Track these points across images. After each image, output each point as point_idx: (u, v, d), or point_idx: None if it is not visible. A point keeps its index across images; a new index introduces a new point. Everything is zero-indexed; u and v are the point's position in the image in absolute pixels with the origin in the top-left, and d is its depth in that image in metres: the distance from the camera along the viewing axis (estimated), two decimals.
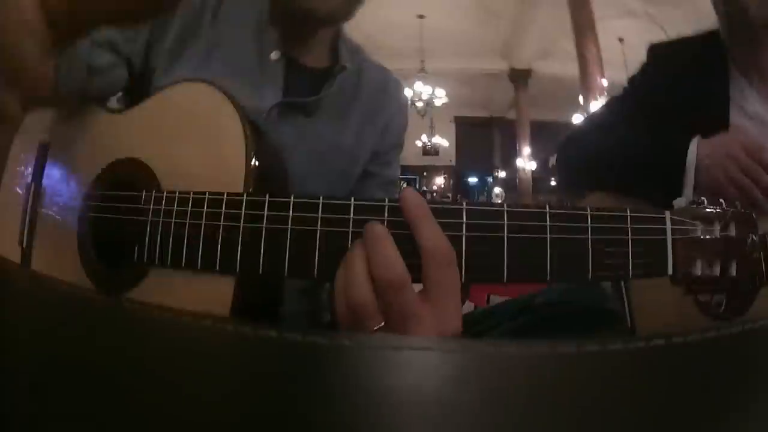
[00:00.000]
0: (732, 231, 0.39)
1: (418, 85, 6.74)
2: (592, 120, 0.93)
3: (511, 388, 0.15)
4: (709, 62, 0.80)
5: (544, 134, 7.01)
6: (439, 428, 0.13)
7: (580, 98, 5.16)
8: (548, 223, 0.36)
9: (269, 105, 0.59)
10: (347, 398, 0.15)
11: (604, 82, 4.84)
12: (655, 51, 0.86)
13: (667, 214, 0.38)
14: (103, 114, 0.55)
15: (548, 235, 0.36)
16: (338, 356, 0.17)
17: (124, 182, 0.48)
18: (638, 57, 0.89)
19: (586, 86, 4.93)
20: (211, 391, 0.16)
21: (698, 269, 0.38)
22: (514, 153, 8.03)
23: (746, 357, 0.18)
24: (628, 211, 0.37)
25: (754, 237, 0.39)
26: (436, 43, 6.62)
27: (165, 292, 0.45)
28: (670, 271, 0.37)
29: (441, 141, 8.42)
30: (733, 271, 0.38)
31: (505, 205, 0.37)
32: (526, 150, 7.54)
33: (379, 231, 0.35)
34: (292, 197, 0.39)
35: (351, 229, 0.37)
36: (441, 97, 6.89)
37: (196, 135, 0.47)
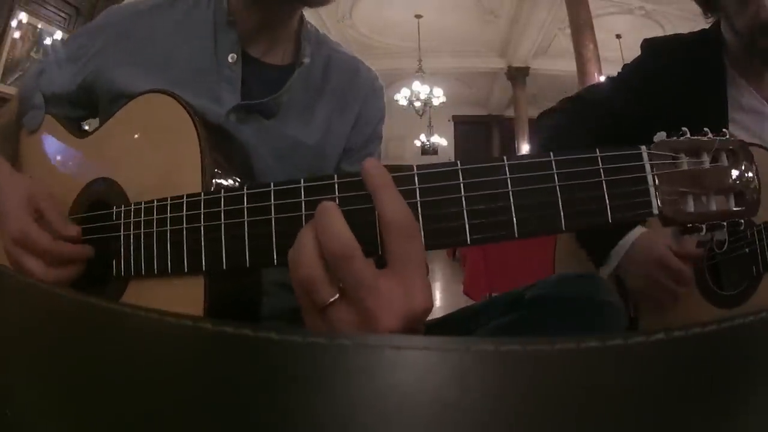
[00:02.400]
0: (724, 161, 0.36)
1: (416, 85, 6.74)
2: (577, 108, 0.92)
3: (510, 387, 0.15)
4: (704, 58, 0.80)
5: None
6: (439, 428, 0.13)
7: None
8: (508, 175, 0.34)
9: (227, 108, 0.58)
10: (347, 398, 0.15)
11: (602, 79, 4.83)
12: (650, 46, 0.87)
13: (643, 149, 0.35)
14: (73, 139, 0.57)
15: (509, 189, 0.34)
16: (338, 356, 0.17)
17: (100, 202, 0.50)
18: (636, 53, 0.89)
19: (584, 83, 4.93)
20: (209, 394, 0.16)
21: (690, 205, 0.35)
22: (512, 150, 8.03)
23: (747, 350, 0.18)
24: (598, 151, 0.34)
25: (747, 164, 0.36)
26: (433, 42, 6.63)
27: (143, 304, 0.45)
28: (656, 210, 0.34)
29: (440, 140, 8.42)
30: (732, 204, 0.35)
31: (459, 163, 0.35)
32: (525, 147, 7.53)
33: (327, 205, 0.34)
34: (245, 189, 0.40)
35: (304, 212, 0.37)
36: (439, 96, 6.88)
37: (153, 145, 0.49)
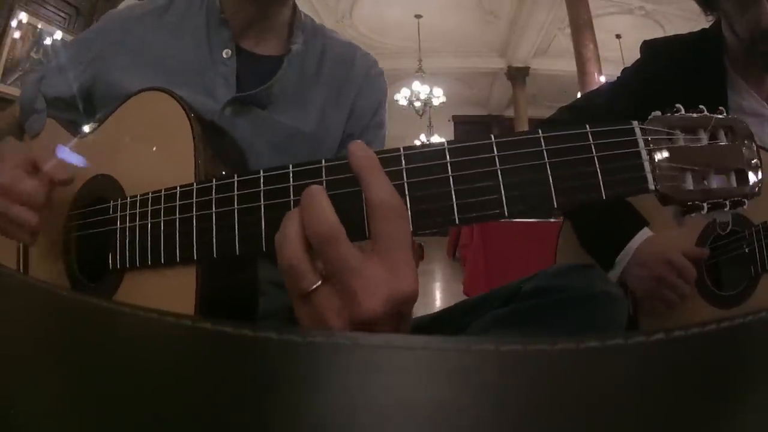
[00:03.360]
0: (722, 138, 0.35)
1: (416, 85, 6.74)
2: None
3: (510, 387, 0.15)
4: (704, 60, 0.80)
5: None
6: (439, 428, 0.13)
7: (578, 95, 5.16)
8: (495, 153, 0.34)
9: (223, 102, 0.59)
10: (346, 398, 0.15)
11: (602, 79, 4.84)
12: (649, 47, 0.86)
13: (636, 124, 0.34)
14: (74, 140, 0.57)
15: (498, 166, 0.33)
16: (337, 356, 0.17)
17: (99, 198, 0.50)
18: (636, 53, 0.89)
19: (584, 83, 4.93)
20: (208, 394, 0.16)
21: (689, 183, 0.34)
22: None
23: (747, 350, 0.18)
24: (588, 127, 0.34)
25: (748, 141, 0.35)
26: (433, 42, 6.64)
27: (137, 296, 0.46)
28: (652, 186, 0.33)
29: (440, 140, 8.40)
30: (734, 182, 0.34)
31: (446, 143, 0.35)
32: None
33: (312, 189, 0.33)
34: (235, 177, 0.39)
35: (292, 197, 0.37)
36: (439, 96, 6.89)
37: (149, 142, 0.49)
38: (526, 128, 7.06)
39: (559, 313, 0.46)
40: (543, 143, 0.33)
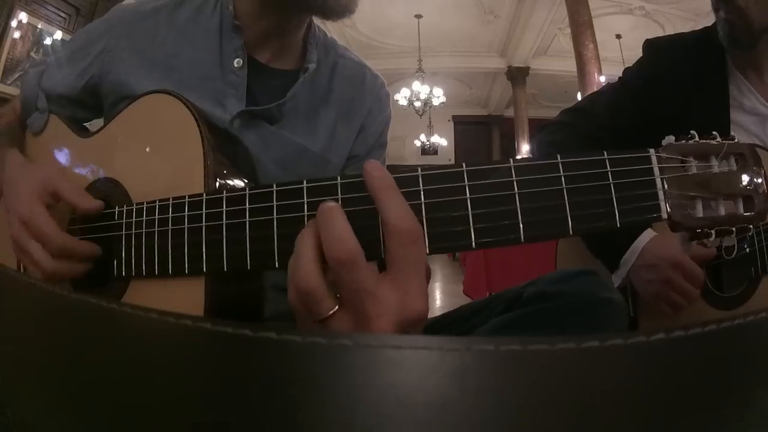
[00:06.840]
0: (732, 165, 0.35)
1: (416, 85, 6.75)
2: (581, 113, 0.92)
3: (510, 387, 0.15)
4: (706, 59, 0.80)
5: None
6: (439, 428, 0.13)
7: (578, 95, 5.16)
8: (514, 177, 0.33)
9: (232, 114, 0.57)
10: (347, 398, 0.15)
11: (602, 79, 4.84)
12: (651, 46, 0.86)
13: (652, 152, 0.34)
14: (77, 140, 0.57)
15: (516, 191, 0.33)
16: (338, 356, 0.17)
17: (103, 202, 0.49)
18: (636, 53, 0.89)
19: (584, 83, 4.93)
20: (209, 394, 0.16)
21: (699, 210, 0.34)
22: (512, 151, 8.03)
23: (747, 350, 0.18)
24: (606, 154, 0.34)
25: (756, 168, 0.35)
26: (433, 42, 6.63)
27: (143, 304, 0.45)
28: (665, 214, 0.33)
29: (440, 140, 8.42)
30: (741, 209, 0.34)
31: (464, 165, 0.34)
32: (525, 147, 7.53)
33: (329, 207, 0.33)
34: (247, 189, 0.39)
35: (306, 213, 0.36)
36: (439, 96, 6.89)
37: (156, 146, 0.48)
38: (526, 128, 7.01)
39: (562, 319, 0.46)
40: (561, 169, 0.33)
